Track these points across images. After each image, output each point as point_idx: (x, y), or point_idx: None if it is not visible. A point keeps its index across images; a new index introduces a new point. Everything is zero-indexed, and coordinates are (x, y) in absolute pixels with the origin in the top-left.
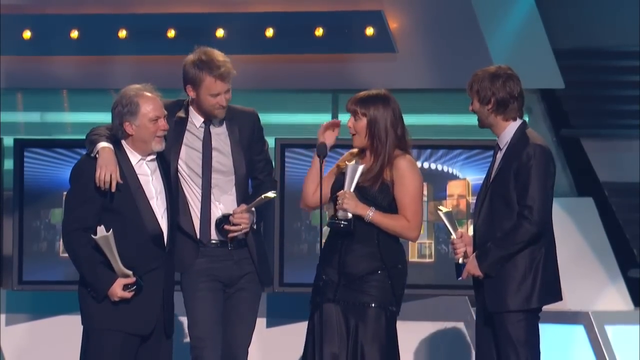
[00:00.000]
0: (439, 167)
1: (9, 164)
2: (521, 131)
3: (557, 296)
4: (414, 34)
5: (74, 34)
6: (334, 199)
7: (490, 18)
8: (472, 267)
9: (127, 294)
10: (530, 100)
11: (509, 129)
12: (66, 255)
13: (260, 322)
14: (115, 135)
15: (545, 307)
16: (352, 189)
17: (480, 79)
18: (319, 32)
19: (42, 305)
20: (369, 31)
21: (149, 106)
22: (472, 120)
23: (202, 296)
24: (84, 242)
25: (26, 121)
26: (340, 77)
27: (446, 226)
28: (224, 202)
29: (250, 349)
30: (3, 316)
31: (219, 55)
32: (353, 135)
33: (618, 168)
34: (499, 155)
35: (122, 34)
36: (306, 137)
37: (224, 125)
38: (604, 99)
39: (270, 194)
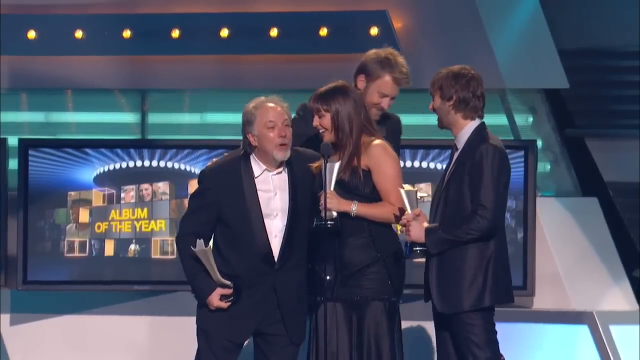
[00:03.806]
0: (443, 167)
1: (13, 164)
2: (478, 131)
3: (510, 296)
4: (419, 34)
5: (79, 34)
6: (315, 200)
7: (495, 18)
8: (417, 233)
9: (224, 304)
10: (535, 100)
11: (467, 129)
12: (70, 255)
13: None
14: (246, 151)
15: (549, 308)
16: (331, 188)
17: (444, 76)
18: (324, 32)
19: (46, 305)
20: (374, 31)
21: (265, 113)
22: None
23: None
24: (190, 248)
25: (30, 121)
26: (345, 77)
27: (404, 204)
28: None
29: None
30: (7, 316)
31: (402, 61)
32: (323, 132)
33: (623, 168)
34: (455, 156)
35: (127, 34)
36: None
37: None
38: (608, 99)
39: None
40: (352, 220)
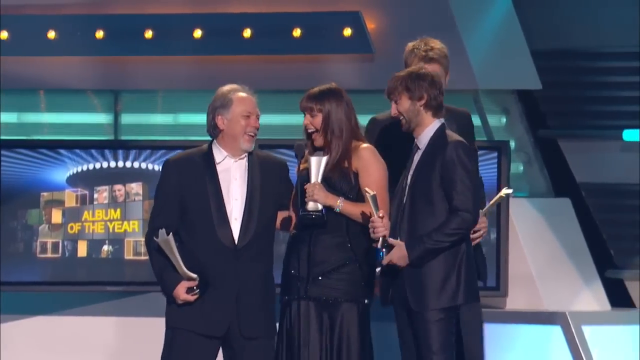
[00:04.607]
0: None
1: None
2: (441, 130)
3: (477, 295)
4: (392, 35)
5: (51, 34)
6: (301, 192)
7: (468, 19)
8: (398, 258)
9: (190, 297)
10: (508, 101)
11: (430, 128)
12: (43, 256)
13: None
14: (211, 136)
15: (522, 308)
16: (319, 180)
17: (407, 78)
18: (297, 32)
19: (19, 306)
20: (347, 32)
21: (242, 101)
22: None
23: None
24: (156, 244)
25: (3, 122)
26: (318, 78)
27: (370, 208)
28: None
29: None
30: None
31: (434, 42)
32: (313, 133)
33: (595, 169)
34: (417, 156)
35: (100, 34)
36: (284, 138)
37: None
38: (581, 99)
39: (506, 190)
40: (331, 218)
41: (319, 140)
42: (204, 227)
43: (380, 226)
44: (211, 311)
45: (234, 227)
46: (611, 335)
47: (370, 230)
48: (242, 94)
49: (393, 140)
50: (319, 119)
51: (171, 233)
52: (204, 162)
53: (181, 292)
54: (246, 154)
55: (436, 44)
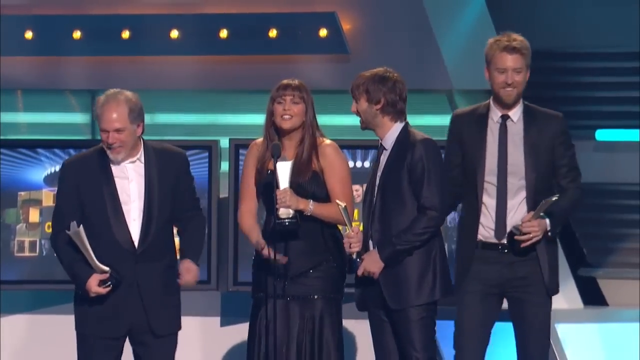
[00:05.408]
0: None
1: None
2: (405, 130)
3: (452, 288)
4: (367, 36)
5: (28, 34)
6: (271, 200)
7: (442, 20)
8: (371, 263)
9: (102, 290)
10: (482, 101)
11: (394, 130)
12: (20, 254)
13: (214, 321)
14: None
15: None
16: (287, 186)
17: (370, 79)
18: (273, 33)
19: None
20: (322, 32)
21: (100, 117)
22: (428, 121)
23: (468, 301)
24: (65, 240)
25: None
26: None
27: (343, 220)
28: (513, 205)
29: (204, 349)
30: None
31: (516, 35)
32: (288, 118)
33: None
34: (384, 157)
35: (77, 34)
36: (260, 138)
37: (522, 125)
38: (554, 100)
39: (554, 197)
40: (305, 223)
41: (292, 123)
42: (102, 230)
43: (356, 242)
44: (114, 312)
45: (133, 229)
46: (584, 333)
47: (346, 245)
48: (106, 105)
49: (473, 132)
50: (300, 107)
51: (82, 225)
52: (100, 164)
53: (93, 284)
54: (143, 155)
55: (518, 37)
